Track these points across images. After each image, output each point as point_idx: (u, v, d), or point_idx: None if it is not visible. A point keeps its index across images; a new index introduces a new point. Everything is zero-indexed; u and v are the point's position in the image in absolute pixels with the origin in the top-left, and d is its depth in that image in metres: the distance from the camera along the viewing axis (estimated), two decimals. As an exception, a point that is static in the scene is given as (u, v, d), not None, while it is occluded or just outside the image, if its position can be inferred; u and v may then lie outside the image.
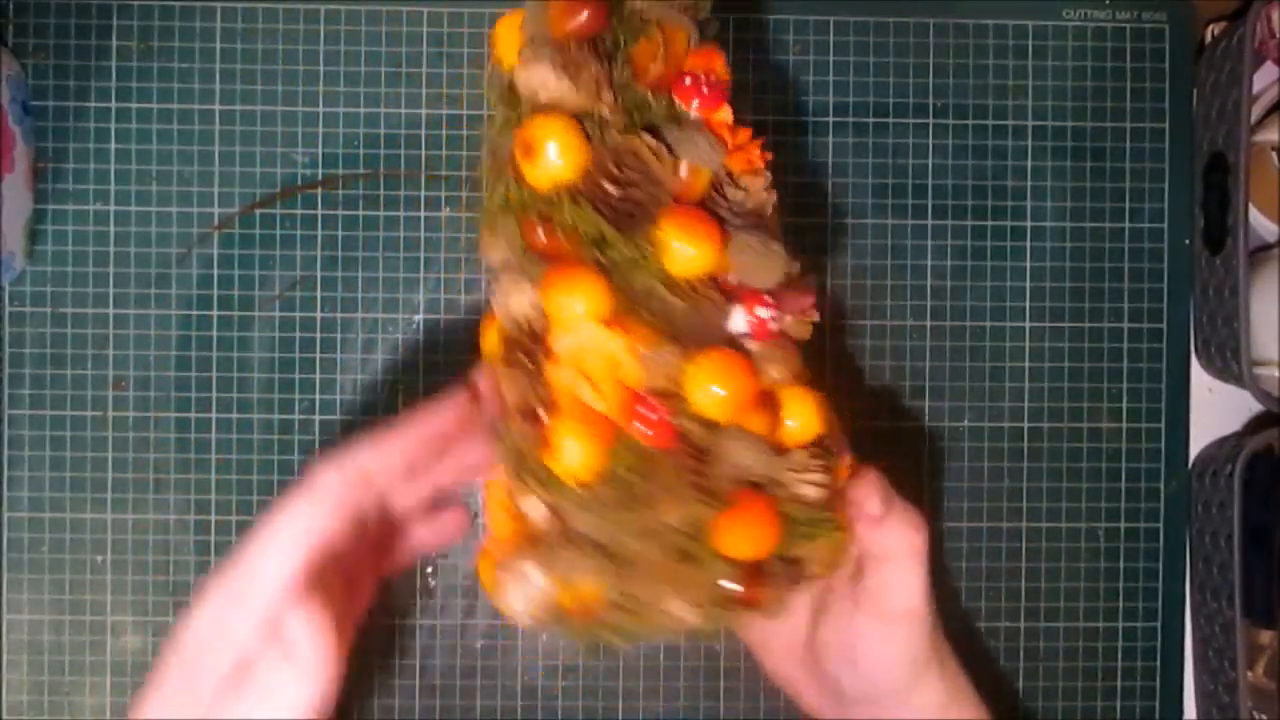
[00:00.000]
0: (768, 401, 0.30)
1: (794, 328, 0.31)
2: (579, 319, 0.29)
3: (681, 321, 0.29)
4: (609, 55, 0.30)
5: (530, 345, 0.30)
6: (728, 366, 0.28)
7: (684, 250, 0.29)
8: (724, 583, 0.29)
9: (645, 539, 0.29)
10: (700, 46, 0.32)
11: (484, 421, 0.33)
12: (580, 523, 0.29)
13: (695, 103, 0.31)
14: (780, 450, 0.30)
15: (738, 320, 0.30)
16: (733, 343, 0.30)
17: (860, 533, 0.37)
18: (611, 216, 0.29)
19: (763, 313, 0.30)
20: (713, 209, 0.30)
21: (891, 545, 0.39)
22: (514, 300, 0.31)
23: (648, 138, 0.29)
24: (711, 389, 0.28)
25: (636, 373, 0.29)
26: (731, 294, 0.30)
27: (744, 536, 0.29)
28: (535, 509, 0.30)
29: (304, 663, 0.30)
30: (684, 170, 0.30)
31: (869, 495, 0.37)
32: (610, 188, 0.29)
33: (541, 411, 0.30)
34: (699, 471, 0.29)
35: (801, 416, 0.31)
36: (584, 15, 0.29)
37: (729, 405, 0.29)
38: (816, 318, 0.32)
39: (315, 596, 0.31)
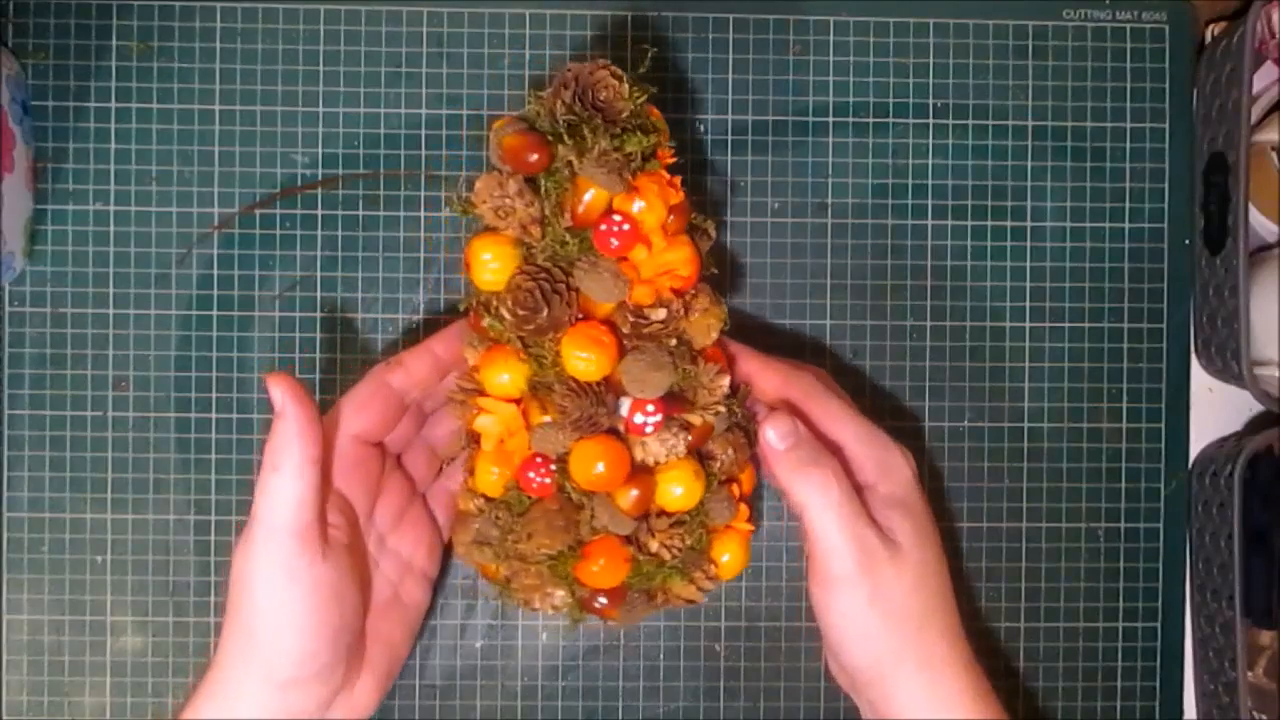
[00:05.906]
0: (640, 478, 0.37)
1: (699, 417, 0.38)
2: (501, 389, 0.37)
3: (575, 410, 0.36)
4: (546, 194, 0.36)
5: (474, 389, 0.38)
6: (599, 452, 0.36)
7: (577, 359, 0.36)
8: (561, 595, 0.38)
9: (524, 553, 0.37)
10: (653, 174, 0.37)
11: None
12: (482, 523, 0.39)
13: (614, 244, 0.36)
14: (645, 514, 0.37)
15: (627, 415, 0.37)
16: (614, 431, 0.37)
17: (777, 476, 0.38)
18: (526, 323, 0.36)
19: (639, 419, 0.36)
20: (621, 327, 0.36)
21: (804, 495, 0.37)
22: (469, 354, 0.39)
23: (542, 279, 0.36)
24: (591, 467, 0.36)
25: (524, 441, 0.37)
26: (621, 392, 0.37)
27: (594, 571, 0.37)
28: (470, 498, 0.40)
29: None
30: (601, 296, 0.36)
31: (775, 431, 0.37)
32: (518, 309, 0.36)
33: (469, 441, 0.40)
34: (569, 519, 0.37)
35: (684, 486, 0.37)
36: (533, 157, 0.36)
37: (599, 480, 0.36)
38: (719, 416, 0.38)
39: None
